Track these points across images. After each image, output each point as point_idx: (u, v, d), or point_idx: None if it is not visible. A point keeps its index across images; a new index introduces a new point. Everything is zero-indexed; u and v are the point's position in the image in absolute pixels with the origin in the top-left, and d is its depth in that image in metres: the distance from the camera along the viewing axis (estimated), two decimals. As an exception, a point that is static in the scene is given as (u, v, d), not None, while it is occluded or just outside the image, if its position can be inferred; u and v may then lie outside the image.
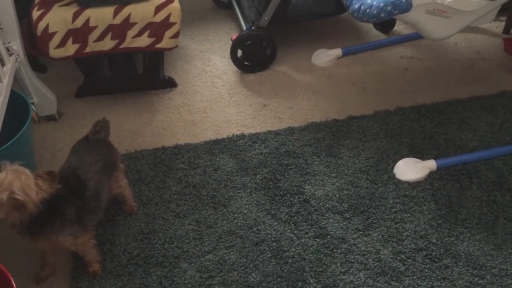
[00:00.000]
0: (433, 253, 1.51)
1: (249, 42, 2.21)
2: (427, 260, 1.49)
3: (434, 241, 1.54)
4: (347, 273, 1.46)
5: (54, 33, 1.86)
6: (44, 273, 1.49)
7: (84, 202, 1.39)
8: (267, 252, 1.53)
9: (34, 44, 1.96)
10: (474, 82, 2.19)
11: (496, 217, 1.60)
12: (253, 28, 2.20)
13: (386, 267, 1.47)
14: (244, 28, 2.29)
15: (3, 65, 1.72)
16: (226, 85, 2.22)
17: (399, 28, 2.52)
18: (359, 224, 1.60)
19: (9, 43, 1.79)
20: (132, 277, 1.47)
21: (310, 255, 1.51)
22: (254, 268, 1.48)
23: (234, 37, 2.22)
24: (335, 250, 1.53)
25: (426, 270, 1.46)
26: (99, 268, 1.47)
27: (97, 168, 1.44)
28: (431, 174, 1.75)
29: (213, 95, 2.16)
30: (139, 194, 1.71)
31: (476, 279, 1.44)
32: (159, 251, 1.54)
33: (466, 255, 1.50)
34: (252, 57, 2.25)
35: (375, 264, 1.48)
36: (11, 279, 1.23)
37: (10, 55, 1.79)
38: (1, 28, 1.75)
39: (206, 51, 2.43)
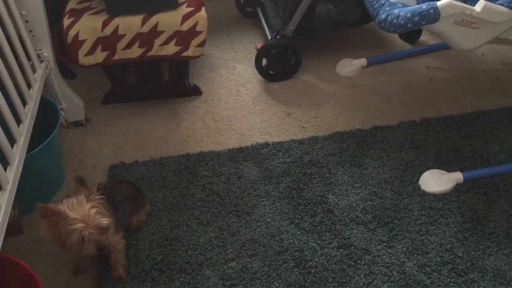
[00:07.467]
0: (459, 266, 1.48)
1: (274, 51, 2.21)
2: (452, 273, 1.47)
3: (460, 254, 1.52)
4: (370, 285, 1.45)
5: (84, 41, 1.90)
6: (83, 265, 1.53)
7: (115, 204, 1.47)
8: (290, 262, 1.52)
9: (64, 51, 2.00)
10: (502, 93, 2.15)
11: (525, 231, 1.57)
12: (278, 37, 2.21)
13: (411, 280, 1.46)
14: (269, 37, 2.30)
15: (34, 71, 1.77)
16: (251, 93, 2.23)
17: (425, 38, 2.50)
18: (383, 235, 1.58)
19: (40, 50, 1.83)
20: (156, 282, 1.48)
21: (334, 265, 1.50)
22: (276, 277, 1.48)
23: (259, 46, 2.23)
24: (358, 261, 1.51)
25: (452, 284, 1.44)
26: (123, 272, 1.49)
27: (126, 193, 1.57)
28: (457, 187, 1.72)
29: (238, 103, 2.17)
30: (164, 201, 1.72)
31: (504, 294, 1.41)
32: (183, 258, 1.55)
33: (493, 270, 1.47)
34: (276, 66, 2.25)
35: (399, 277, 1.47)
36: (39, 281, 1.25)
37: (41, 62, 1.84)
38: (33, 36, 1.79)
39: (231, 59, 2.45)
